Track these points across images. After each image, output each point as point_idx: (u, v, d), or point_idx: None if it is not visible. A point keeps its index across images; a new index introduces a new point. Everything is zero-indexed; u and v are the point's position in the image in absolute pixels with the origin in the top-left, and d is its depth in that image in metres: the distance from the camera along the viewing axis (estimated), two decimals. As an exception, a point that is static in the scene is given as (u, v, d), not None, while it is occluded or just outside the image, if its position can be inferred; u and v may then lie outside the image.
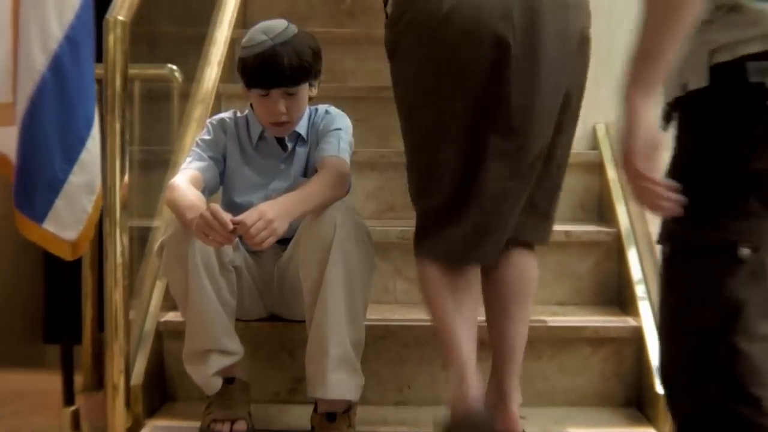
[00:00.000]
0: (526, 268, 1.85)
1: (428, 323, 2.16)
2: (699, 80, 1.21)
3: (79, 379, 2.30)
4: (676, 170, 1.25)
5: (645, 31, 1.21)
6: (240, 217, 1.77)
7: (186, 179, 1.97)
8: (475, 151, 1.66)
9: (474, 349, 1.77)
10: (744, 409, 1.17)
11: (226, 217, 1.76)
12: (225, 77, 2.92)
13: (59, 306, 2.17)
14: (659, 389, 2.01)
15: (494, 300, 1.84)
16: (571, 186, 2.65)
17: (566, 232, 2.40)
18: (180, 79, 2.58)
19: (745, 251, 1.18)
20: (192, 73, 2.83)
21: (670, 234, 1.26)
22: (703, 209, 1.20)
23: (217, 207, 1.77)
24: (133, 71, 2.04)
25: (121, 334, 1.92)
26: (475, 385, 1.73)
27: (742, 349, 1.18)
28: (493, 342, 1.86)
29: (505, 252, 1.80)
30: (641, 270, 2.32)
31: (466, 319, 1.76)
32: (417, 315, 2.24)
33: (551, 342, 2.17)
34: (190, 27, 3.28)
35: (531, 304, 1.87)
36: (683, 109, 1.26)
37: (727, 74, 1.18)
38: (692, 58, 1.21)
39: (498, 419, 1.81)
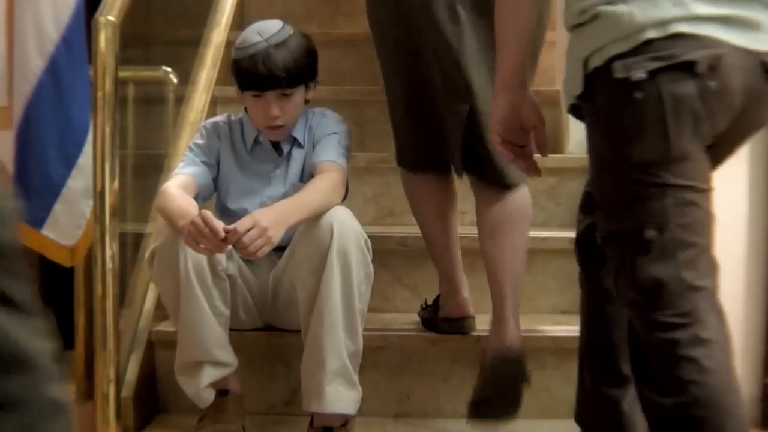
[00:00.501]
0: (517, 197, 1.96)
1: (428, 333, 2.13)
2: (578, 87, 1.34)
3: (71, 388, 2.26)
4: (590, 167, 1.40)
5: (496, 35, 1.48)
6: (233, 225, 1.71)
7: (178, 185, 1.92)
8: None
9: (459, 259, 2.10)
10: (681, 369, 1.28)
11: (218, 224, 1.70)
12: (221, 80, 2.87)
13: (53, 312, 2.13)
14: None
15: (488, 231, 1.97)
16: (574, 191, 2.59)
17: (570, 239, 2.32)
18: (175, 82, 2.54)
19: (650, 233, 1.29)
20: (187, 76, 2.78)
21: (598, 225, 1.41)
22: (611, 200, 1.35)
23: (208, 214, 1.71)
24: (126, 74, 2.00)
25: (110, 343, 1.88)
26: (466, 293, 2.09)
27: (668, 322, 1.30)
28: (489, 275, 1.97)
29: (493, 189, 1.96)
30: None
31: (450, 232, 2.08)
32: (418, 324, 2.21)
33: (555, 352, 2.11)
34: (185, 28, 3.23)
35: (526, 232, 1.99)
36: (581, 115, 1.39)
37: (600, 77, 1.30)
38: (573, 66, 1.36)
39: (496, 338, 1.91)
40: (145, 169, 2.49)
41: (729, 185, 2.10)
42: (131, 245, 2.26)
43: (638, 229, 1.30)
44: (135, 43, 2.57)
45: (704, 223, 1.32)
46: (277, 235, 1.73)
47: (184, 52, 2.94)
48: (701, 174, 1.32)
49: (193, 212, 1.76)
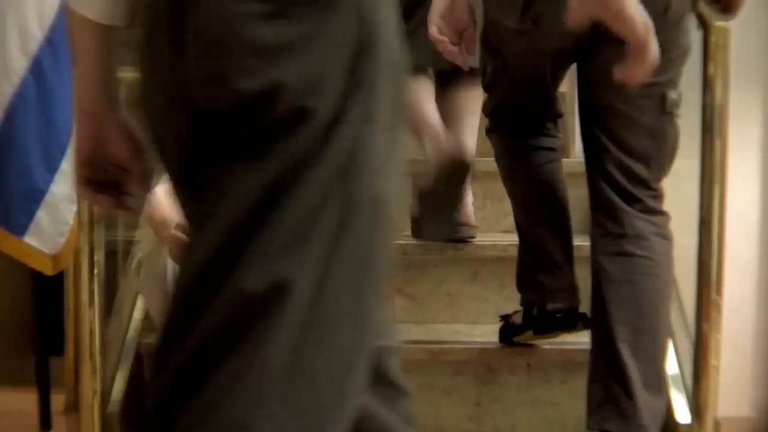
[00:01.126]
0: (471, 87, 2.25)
1: (428, 344, 2.06)
2: None
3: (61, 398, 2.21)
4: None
5: None
6: None
7: (166, 191, 1.84)
8: None
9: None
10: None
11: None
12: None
13: (45, 319, 2.09)
14: (677, 417, 1.90)
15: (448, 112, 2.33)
16: (578, 198, 2.53)
17: (577, 246, 2.26)
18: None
19: (489, 69, 1.85)
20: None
21: None
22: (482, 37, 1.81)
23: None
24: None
25: (96, 355, 1.83)
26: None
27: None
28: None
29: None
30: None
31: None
32: (417, 336, 2.15)
33: (561, 365, 2.05)
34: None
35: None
36: None
37: None
38: None
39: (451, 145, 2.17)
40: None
41: (741, 188, 2.06)
42: (122, 252, 2.20)
43: (484, 64, 1.84)
44: (127, 44, 2.51)
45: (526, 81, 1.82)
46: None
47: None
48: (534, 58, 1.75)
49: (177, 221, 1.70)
